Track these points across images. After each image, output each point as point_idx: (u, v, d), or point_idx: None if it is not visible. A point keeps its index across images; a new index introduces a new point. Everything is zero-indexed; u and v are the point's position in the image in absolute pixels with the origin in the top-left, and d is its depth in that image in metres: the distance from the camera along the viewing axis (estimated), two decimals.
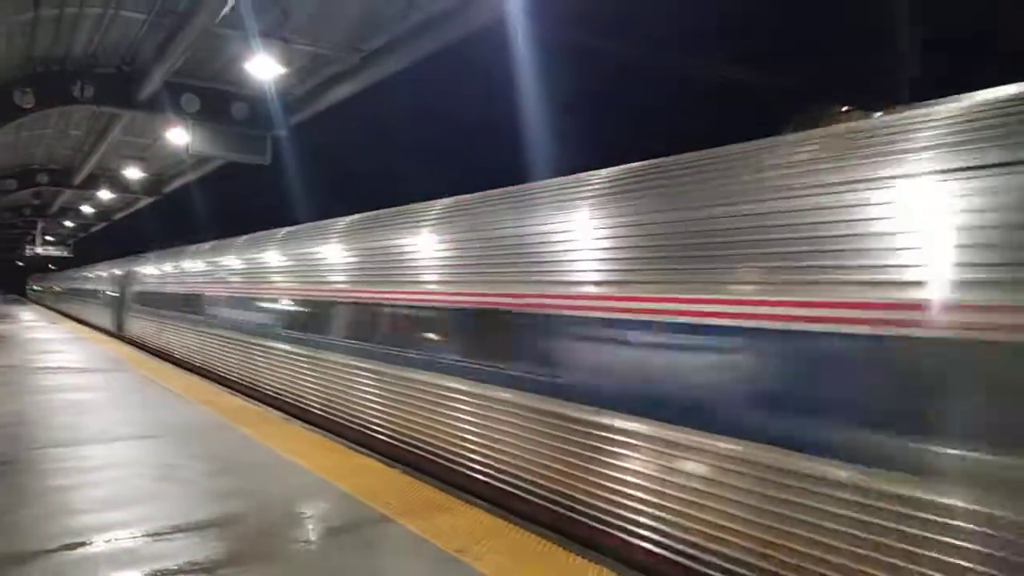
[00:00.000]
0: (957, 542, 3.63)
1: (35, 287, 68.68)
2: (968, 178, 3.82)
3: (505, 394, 6.92)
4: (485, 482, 7.12)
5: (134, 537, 5.16)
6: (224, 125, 14.04)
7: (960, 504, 3.63)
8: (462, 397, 7.57)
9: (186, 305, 18.13)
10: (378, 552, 5.05)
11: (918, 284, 3.91)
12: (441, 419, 7.91)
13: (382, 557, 4.95)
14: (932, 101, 4.54)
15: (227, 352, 15.00)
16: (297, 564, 4.85)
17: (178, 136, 14.74)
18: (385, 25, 10.90)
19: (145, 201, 27.96)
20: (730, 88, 15.70)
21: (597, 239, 6.19)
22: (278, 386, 12.27)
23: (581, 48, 15.46)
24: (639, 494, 5.41)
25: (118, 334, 25.80)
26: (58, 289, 50.09)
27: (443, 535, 5.32)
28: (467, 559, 4.86)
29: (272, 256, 13.32)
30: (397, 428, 8.78)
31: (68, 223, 37.09)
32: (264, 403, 11.74)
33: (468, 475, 7.37)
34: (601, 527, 5.72)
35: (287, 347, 11.99)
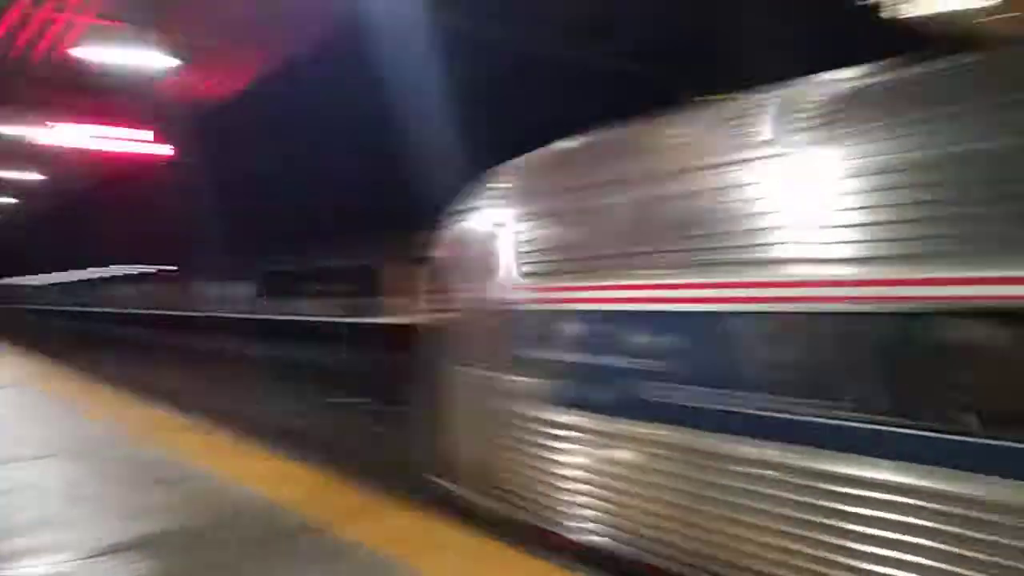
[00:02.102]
0: None
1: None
2: None
3: None
4: None
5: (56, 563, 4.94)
6: None
7: None
8: None
9: None
10: (312, 562, 5.01)
11: None
12: None
13: (317, 568, 4.92)
14: None
15: None
16: None
17: None
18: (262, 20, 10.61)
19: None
20: (617, 79, 16.16)
21: None
22: None
23: (473, 37, 15.47)
24: None
25: None
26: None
27: (389, 542, 5.26)
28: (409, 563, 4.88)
29: None
30: None
31: None
32: None
33: None
34: None
35: None
